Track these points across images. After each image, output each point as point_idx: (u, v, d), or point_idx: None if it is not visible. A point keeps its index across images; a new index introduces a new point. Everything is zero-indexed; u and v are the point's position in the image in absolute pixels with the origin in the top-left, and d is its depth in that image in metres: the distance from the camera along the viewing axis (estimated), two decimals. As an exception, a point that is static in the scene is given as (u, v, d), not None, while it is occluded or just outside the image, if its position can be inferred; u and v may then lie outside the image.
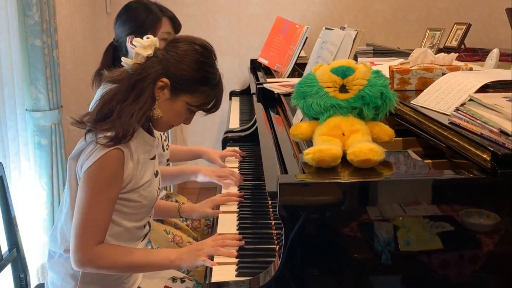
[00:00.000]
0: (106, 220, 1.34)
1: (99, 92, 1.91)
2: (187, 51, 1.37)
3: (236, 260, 1.35)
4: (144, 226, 1.49)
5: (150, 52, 1.36)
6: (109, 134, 1.30)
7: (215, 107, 1.42)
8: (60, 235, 1.44)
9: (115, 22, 1.99)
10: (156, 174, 1.49)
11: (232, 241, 1.42)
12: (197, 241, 1.97)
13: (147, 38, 1.37)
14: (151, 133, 1.46)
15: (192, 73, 1.36)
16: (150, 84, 1.34)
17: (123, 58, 1.40)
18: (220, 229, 1.56)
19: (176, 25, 1.99)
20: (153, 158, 1.48)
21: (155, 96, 1.36)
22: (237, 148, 2.25)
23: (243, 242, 1.43)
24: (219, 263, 1.33)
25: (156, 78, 1.35)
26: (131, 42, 1.92)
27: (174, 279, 1.63)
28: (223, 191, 1.88)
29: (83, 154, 1.34)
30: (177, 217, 1.83)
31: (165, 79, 1.35)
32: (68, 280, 1.43)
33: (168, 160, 2.09)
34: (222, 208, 1.73)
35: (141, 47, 1.36)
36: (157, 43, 1.39)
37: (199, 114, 1.45)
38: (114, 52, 2.00)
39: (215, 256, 1.37)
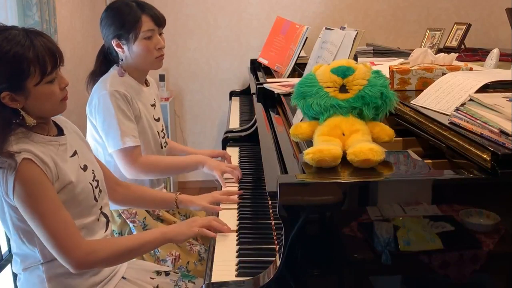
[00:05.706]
0: (67, 218, 1.33)
1: (95, 92, 1.91)
2: None
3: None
4: (98, 219, 1.48)
5: None
6: (3, 158, 1.29)
7: (51, 60, 1.34)
8: (17, 257, 1.45)
9: (100, 26, 1.94)
10: (84, 168, 1.47)
11: (221, 222, 1.55)
12: (197, 241, 1.97)
13: None
14: (60, 132, 1.46)
15: (2, 68, 1.29)
16: None
17: None
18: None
19: (158, 21, 1.92)
20: (73, 155, 1.45)
21: (16, 109, 1.33)
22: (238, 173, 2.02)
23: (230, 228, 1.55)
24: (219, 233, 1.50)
25: None
26: (117, 46, 1.91)
27: (158, 273, 1.64)
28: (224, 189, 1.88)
29: None
30: (174, 208, 1.81)
31: (2, 94, 1.30)
32: None
33: None
34: (222, 206, 1.74)
35: None
36: None
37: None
38: (106, 55, 1.99)
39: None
